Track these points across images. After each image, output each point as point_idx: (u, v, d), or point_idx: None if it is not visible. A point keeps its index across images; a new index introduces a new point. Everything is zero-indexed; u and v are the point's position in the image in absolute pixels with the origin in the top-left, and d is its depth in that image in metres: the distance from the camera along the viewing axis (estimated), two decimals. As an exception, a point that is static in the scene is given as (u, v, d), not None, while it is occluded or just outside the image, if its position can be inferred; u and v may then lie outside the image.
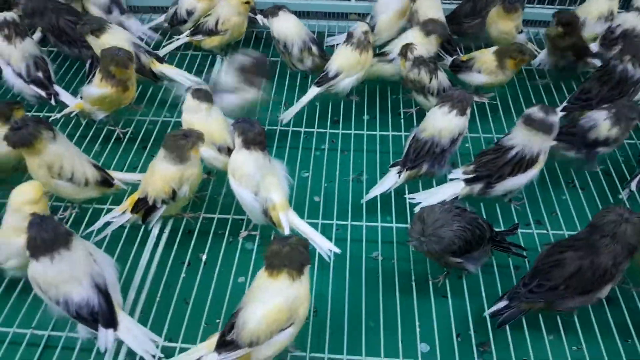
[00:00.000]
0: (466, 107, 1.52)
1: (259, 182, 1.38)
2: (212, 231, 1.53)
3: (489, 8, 2.09)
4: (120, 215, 1.47)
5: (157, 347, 1.23)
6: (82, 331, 1.22)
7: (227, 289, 1.37)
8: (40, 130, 1.37)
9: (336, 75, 1.84)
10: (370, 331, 1.31)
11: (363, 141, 1.83)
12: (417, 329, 1.31)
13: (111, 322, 1.19)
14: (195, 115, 1.55)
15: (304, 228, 1.40)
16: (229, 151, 1.55)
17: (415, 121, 1.88)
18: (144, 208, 1.44)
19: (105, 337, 1.18)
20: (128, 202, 1.48)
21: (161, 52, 2.11)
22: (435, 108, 1.55)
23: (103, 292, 1.19)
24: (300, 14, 2.39)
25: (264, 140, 1.39)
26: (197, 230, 1.53)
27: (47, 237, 1.13)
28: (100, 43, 1.84)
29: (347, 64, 1.83)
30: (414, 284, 1.40)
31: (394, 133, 1.85)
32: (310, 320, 1.34)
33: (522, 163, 1.46)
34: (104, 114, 1.76)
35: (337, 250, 1.37)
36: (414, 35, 1.92)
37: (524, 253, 1.42)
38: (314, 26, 2.37)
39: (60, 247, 1.14)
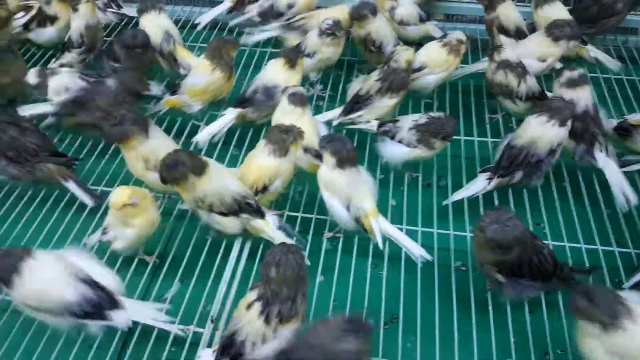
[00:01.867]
0: (568, 117, 1.45)
1: (352, 194, 1.39)
2: (295, 230, 1.53)
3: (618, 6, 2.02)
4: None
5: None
6: (93, 327, 1.24)
7: (313, 289, 1.37)
8: (132, 131, 1.43)
9: (420, 69, 1.80)
10: (460, 343, 1.28)
11: (447, 146, 1.79)
12: (512, 345, 1.27)
13: (115, 303, 1.23)
14: (288, 116, 1.55)
15: (394, 233, 1.40)
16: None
17: (501, 127, 1.82)
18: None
19: (118, 317, 1.22)
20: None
21: (249, 40, 2.11)
22: (532, 117, 1.49)
23: (91, 282, 1.22)
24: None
25: (356, 156, 1.40)
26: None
27: None
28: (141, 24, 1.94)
29: (433, 60, 1.80)
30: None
31: (479, 139, 1.80)
32: (399, 326, 1.32)
33: None
34: (200, 106, 1.79)
35: (429, 257, 1.37)
36: (538, 42, 1.84)
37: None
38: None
39: (14, 273, 1.14)
